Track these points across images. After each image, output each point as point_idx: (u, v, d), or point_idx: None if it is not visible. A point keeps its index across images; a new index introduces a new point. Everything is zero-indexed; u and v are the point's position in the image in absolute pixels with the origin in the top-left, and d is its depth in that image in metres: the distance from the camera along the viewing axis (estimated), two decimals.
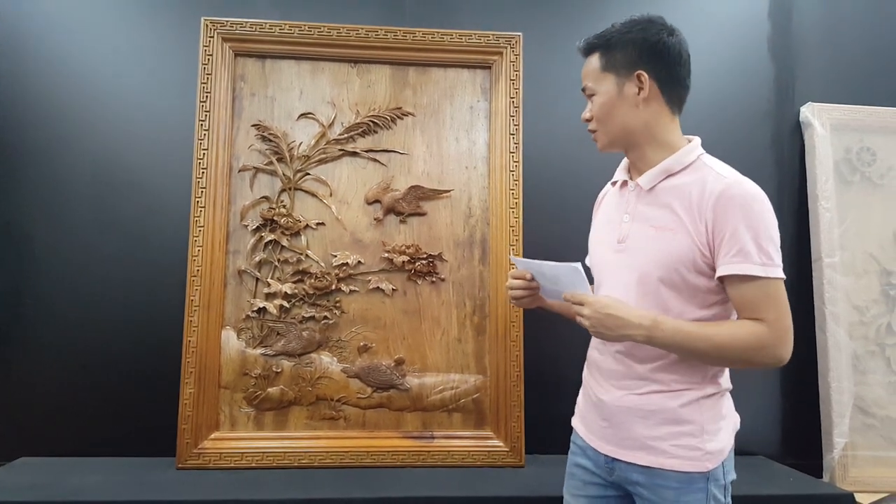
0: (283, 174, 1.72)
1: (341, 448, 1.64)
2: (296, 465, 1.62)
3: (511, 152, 1.74)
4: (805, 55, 1.99)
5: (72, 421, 1.70)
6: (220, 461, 1.60)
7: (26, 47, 1.76)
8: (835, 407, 1.80)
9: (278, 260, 1.70)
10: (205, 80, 1.68)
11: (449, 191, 1.76)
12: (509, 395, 1.68)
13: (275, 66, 1.74)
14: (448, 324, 1.73)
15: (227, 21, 1.70)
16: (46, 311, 1.72)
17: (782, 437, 1.90)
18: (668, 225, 1.00)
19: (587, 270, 1.03)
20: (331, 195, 1.73)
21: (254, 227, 1.70)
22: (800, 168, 1.95)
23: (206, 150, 1.66)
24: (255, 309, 1.68)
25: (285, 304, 1.69)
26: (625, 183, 1.12)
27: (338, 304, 1.71)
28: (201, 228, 1.65)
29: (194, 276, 1.63)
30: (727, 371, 1.05)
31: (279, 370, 1.67)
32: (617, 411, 1.05)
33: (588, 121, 1.11)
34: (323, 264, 1.71)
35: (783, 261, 0.96)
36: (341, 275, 1.71)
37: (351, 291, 1.71)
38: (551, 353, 1.76)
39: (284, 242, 1.70)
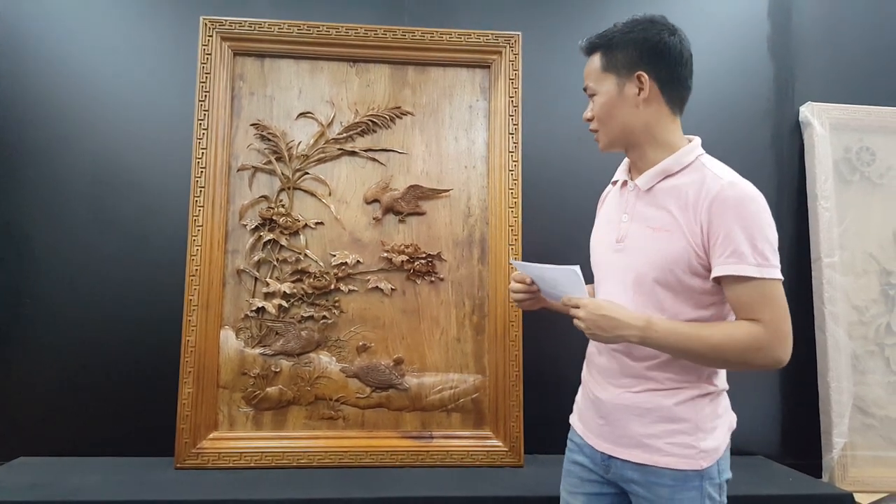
0: (282, 173, 1.72)
1: (340, 448, 1.64)
2: (294, 464, 1.62)
3: (510, 152, 1.74)
4: (804, 55, 1.98)
5: (71, 421, 1.70)
6: (219, 461, 1.60)
7: (26, 47, 1.77)
8: (834, 407, 1.80)
9: (277, 259, 1.70)
10: (204, 80, 1.68)
11: (448, 190, 1.76)
12: (508, 394, 1.68)
13: (274, 65, 1.74)
14: (447, 323, 1.73)
15: (226, 20, 1.70)
16: (46, 310, 1.72)
17: (781, 437, 1.90)
18: (664, 225, 1.00)
19: (586, 272, 1.04)
20: (330, 194, 1.73)
21: (252, 226, 1.70)
22: (799, 167, 1.94)
23: (205, 149, 1.66)
24: (254, 308, 1.68)
25: (284, 303, 1.69)
26: (625, 183, 1.12)
27: (337, 304, 1.70)
28: (200, 228, 1.65)
29: (193, 275, 1.63)
30: (723, 371, 1.05)
31: (278, 370, 1.67)
32: (613, 409, 1.06)
33: (589, 120, 1.11)
34: (322, 264, 1.71)
35: (782, 261, 0.96)
36: (340, 274, 1.71)
37: (350, 291, 1.71)
38: (550, 353, 1.76)
39: (283, 242, 1.70)
